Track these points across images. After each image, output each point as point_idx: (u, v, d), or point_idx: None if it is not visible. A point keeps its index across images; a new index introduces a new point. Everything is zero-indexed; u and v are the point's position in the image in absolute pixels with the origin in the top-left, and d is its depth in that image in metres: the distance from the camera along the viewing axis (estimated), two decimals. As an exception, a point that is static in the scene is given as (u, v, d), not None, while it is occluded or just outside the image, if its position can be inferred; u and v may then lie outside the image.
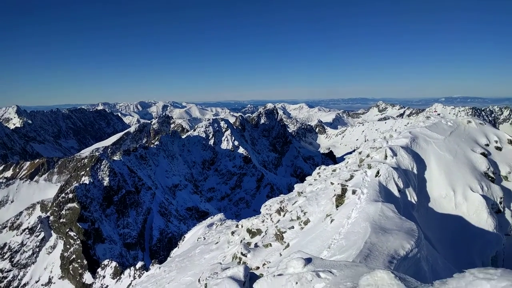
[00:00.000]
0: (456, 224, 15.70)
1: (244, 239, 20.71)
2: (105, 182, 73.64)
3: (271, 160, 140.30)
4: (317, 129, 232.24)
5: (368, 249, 9.18)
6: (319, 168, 25.31)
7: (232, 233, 24.45)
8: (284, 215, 18.81)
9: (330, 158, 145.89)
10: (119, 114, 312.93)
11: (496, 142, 19.84)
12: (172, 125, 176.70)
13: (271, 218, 19.90)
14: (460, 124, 21.02)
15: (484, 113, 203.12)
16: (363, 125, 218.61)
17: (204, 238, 31.84)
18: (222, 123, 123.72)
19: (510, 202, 17.11)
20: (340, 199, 14.51)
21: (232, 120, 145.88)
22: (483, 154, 18.46)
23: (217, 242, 26.36)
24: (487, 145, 19.59)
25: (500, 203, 16.45)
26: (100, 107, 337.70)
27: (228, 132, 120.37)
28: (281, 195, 24.07)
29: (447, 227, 15.68)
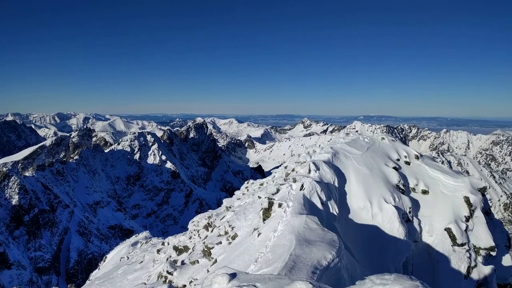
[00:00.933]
0: (373, 233, 16.88)
1: (170, 256, 20.02)
2: (14, 201, 66.41)
3: (201, 175, 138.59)
4: (247, 144, 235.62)
5: (293, 261, 9.46)
6: (247, 183, 25.61)
7: (158, 251, 23.50)
8: (212, 231, 18.61)
9: (259, 172, 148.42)
10: (33, 126, 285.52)
11: (406, 157, 21.87)
12: (94, 139, 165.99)
13: (199, 234, 19.56)
14: (376, 141, 22.84)
15: (396, 131, 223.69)
16: (289, 140, 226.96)
17: (128, 258, 30.13)
18: (148, 137, 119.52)
19: (417, 212, 18.88)
20: (267, 213, 14.79)
21: (159, 133, 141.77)
22: (394, 168, 20.21)
23: (142, 262, 25.10)
24: (398, 160, 21.50)
25: (409, 212, 18.06)
26: (9, 118, 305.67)
27: (155, 146, 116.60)
28: (210, 210, 23.83)
29: (365, 236, 16.77)
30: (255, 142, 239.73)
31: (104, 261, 36.63)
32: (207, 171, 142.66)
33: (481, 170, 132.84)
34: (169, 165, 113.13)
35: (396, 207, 17.30)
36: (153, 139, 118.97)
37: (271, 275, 6.66)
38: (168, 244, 23.61)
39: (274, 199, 15.08)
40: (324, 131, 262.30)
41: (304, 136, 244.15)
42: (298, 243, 10.29)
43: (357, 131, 26.72)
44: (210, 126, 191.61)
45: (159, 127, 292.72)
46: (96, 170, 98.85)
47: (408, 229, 17.04)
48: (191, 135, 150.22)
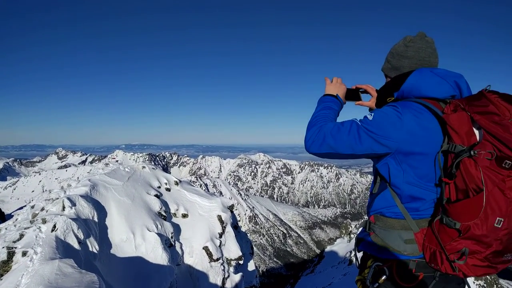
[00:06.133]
0: (137, 264, 16.55)
1: None
2: None
3: None
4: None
5: (42, 317, 8.06)
6: (-22, 232, 20.38)
7: None
8: None
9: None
10: None
11: (166, 184, 22.82)
12: None
13: None
14: (136, 170, 22.82)
15: (158, 159, 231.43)
16: (40, 174, 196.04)
17: None
18: None
19: (179, 235, 19.89)
20: (5, 266, 12.10)
21: None
22: (156, 195, 20.70)
23: None
24: (159, 187, 22.18)
25: (172, 237, 18.78)
26: None
27: None
28: None
29: (129, 269, 16.22)
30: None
31: None
32: None
33: (231, 189, 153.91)
34: None
35: (159, 234, 17.64)
36: None
37: None
38: None
39: (15, 247, 12.51)
40: (83, 162, 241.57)
41: (58, 168, 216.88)
42: (49, 295, 8.88)
43: (117, 161, 26.04)
44: None
45: None
46: None
47: (171, 254, 17.63)
48: None
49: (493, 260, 1.83)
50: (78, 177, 22.66)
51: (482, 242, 1.77)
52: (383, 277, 2.15)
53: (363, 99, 2.70)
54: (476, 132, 1.81)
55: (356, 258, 2.55)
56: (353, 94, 2.64)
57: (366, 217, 2.46)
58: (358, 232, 2.55)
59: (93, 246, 15.01)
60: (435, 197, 2.05)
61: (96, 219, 16.64)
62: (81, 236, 14.38)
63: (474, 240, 1.78)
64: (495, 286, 34.91)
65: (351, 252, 65.74)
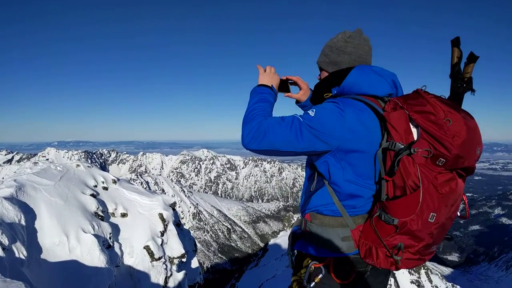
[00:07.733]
0: (72, 269, 15.56)
1: None
2: None
3: None
4: None
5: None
6: None
7: None
8: None
9: None
10: None
11: (103, 182, 21.67)
12: None
13: None
14: (70, 168, 21.39)
15: (95, 156, 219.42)
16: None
17: None
18: None
19: (117, 236, 19.02)
20: None
21: None
22: (92, 195, 19.57)
23: None
24: (96, 186, 20.99)
25: (110, 238, 17.89)
26: None
27: None
28: None
29: (63, 274, 15.20)
30: None
31: None
32: None
33: (174, 187, 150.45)
34: None
35: (96, 235, 16.70)
36: None
37: None
38: None
39: None
40: (9, 161, 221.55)
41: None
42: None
43: (47, 159, 24.30)
44: None
45: None
46: None
47: (109, 255, 16.82)
48: None
49: (423, 253, 1.95)
50: (2, 178, 20.77)
51: (415, 237, 1.87)
52: (320, 276, 2.16)
53: (292, 91, 2.63)
54: (414, 130, 1.87)
55: (291, 259, 2.47)
56: (283, 85, 2.58)
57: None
58: (291, 231, 2.45)
59: (20, 251, 13.84)
60: (372, 194, 2.09)
61: (23, 222, 15.34)
62: (5, 241, 13.18)
63: (409, 235, 1.87)
64: (422, 268, 37.99)
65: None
